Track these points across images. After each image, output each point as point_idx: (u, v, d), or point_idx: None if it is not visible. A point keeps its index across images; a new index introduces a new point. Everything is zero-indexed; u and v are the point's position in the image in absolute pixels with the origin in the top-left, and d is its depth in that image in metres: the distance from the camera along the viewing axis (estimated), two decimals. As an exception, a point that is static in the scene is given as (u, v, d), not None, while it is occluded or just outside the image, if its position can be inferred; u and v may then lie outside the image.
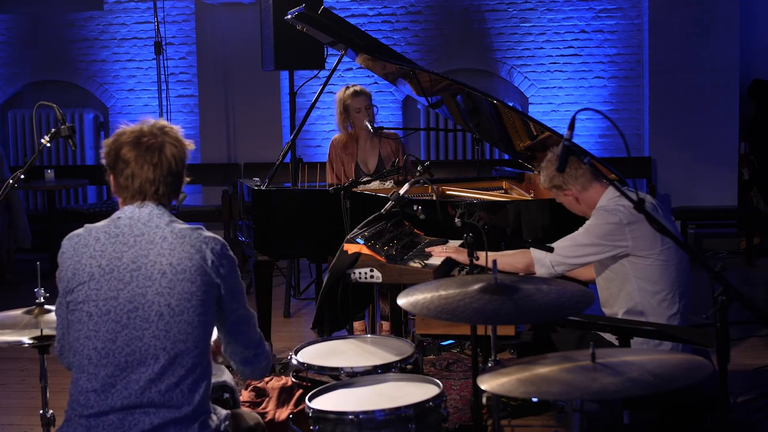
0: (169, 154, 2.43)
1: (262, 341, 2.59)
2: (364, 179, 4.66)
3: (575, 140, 2.31)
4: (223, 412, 2.54)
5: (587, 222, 3.43)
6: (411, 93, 5.38)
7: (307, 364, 2.95)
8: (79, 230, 2.45)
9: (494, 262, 2.46)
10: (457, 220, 3.24)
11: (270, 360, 2.61)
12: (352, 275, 3.56)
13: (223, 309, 2.44)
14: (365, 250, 3.59)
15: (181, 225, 2.44)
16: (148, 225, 2.40)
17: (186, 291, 2.33)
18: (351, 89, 5.17)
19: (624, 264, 3.36)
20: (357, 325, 5.13)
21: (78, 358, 2.34)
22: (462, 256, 3.63)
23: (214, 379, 2.64)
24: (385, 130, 5.23)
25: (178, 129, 2.52)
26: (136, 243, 2.37)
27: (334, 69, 4.92)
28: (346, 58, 5.08)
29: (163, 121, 2.52)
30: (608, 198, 3.44)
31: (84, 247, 2.39)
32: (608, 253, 3.36)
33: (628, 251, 3.33)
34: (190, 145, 2.53)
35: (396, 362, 2.90)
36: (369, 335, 3.54)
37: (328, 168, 5.33)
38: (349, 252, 3.61)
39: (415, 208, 4.17)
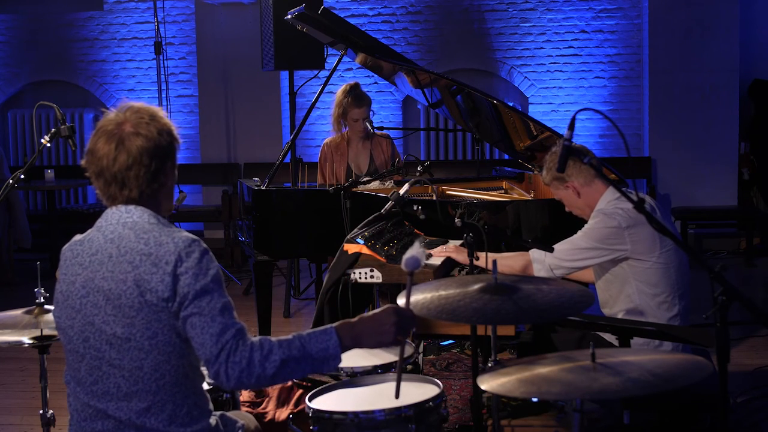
0: (132, 144, 2.15)
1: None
2: (364, 179, 4.65)
3: (575, 140, 2.31)
4: (239, 422, 2.46)
5: (586, 225, 3.43)
6: (409, 87, 5.33)
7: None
8: (74, 238, 2.29)
9: (494, 262, 2.45)
10: (457, 220, 3.24)
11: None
12: (352, 275, 3.56)
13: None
14: (365, 250, 3.59)
15: (139, 234, 2.16)
16: (108, 237, 2.19)
17: (126, 317, 2.12)
18: (353, 95, 5.12)
19: (623, 267, 3.36)
20: (357, 325, 5.11)
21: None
22: (462, 256, 3.62)
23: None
24: (377, 131, 5.22)
25: (153, 112, 2.22)
26: (90, 264, 2.18)
27: (334, 69, 4.92)
28: (346, 58, 5.08)
29: (137, 104, 2.23)
30: (607, 200, 3.43)
31: (60, 267, 2.26)
32: (607, 257, 3.35)
33: (627, 255, 3.32)
34: (165, 127, 2.21)
35: (396, 362, 2.90)
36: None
37: (320, 169, 5.32)
38: (349, 252, 3.61)
39: (415, 208, 4.17)
